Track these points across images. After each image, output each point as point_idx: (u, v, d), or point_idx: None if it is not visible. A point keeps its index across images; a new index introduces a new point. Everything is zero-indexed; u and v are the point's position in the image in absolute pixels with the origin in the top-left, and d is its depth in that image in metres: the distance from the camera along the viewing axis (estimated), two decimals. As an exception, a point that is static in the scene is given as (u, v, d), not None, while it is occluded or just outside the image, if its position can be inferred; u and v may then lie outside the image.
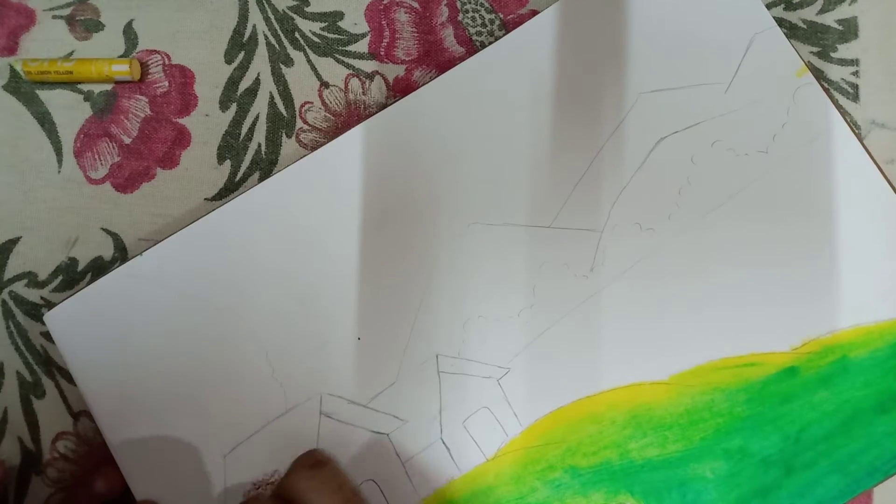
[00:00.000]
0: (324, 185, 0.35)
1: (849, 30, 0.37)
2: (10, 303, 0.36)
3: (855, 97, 0.36)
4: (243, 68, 0.37)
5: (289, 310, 0.34)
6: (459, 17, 0.37)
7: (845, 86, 0.36)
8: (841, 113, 0.35)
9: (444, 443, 0.33)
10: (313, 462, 0.29)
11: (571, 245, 0.35)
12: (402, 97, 0.35)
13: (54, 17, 0.37)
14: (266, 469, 0.33)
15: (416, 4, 0.37)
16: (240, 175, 0.36)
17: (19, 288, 0.36)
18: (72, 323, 0.34)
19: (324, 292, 0.34)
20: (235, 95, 0.37)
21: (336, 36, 0.37)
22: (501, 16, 0.37)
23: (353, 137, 0.35)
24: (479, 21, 0.37)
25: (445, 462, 0.33)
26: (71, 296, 0.34)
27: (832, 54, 0.37)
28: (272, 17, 0.37)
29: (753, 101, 0.35)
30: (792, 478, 0.32)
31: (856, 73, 0.36)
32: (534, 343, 0.34)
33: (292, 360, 0.34)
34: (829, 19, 0.37)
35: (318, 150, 0.35)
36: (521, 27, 0.36)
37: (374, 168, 0.35)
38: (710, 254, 0.34)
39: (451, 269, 0.35)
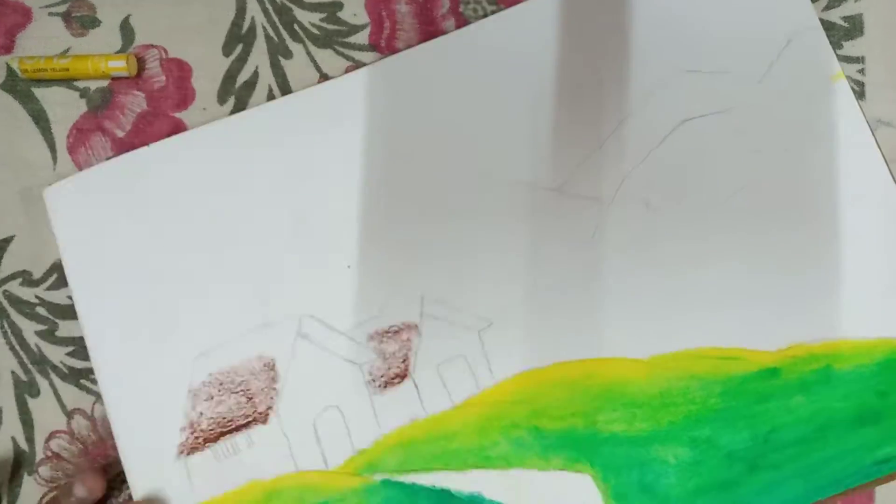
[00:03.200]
0: (336, 114, 0.35)
1: (854, 27, 0.36)
2: (4, 302, 0.35)
3: (860, 95, 0.35)
4: (242, 61, 0.36)
5: (283, 227, 0.34)
6: (461, 9, 0.36)
7: (851, 83, 0.36)
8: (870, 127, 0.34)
9: (414, 383, 0.33)
10: None
11: (576, 212, 0.34)
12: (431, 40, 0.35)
13: (50, 14, 0.37)
14: (234, 380, 0.33)
15: None
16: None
17: (13, 287, 0.35)
18: (69, 201, 0.34)
19: (321, 215, 0.34)
20: (234, 89, 0.36)
21: (336, 27, 0.37)
22: (503, 7, 0.36)
23: (374, 72, 0.35)
24: (481, 12, 0.36)
25: (412, 401, 0.33)
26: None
27: (837, 51, 0.36)
28: (270, 8, 0.36)
29: (783, 97, 0.34)
30: (755, 476, 0.32)
31: (861, 71, 0.36)
32: (521, 301, 0.34)
33: (278, 277, 0.34)
34: (835, 16, 0.36)
35: (336, 78, 0.35)
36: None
37: (390, 106, 0.35)
38: (712, 243, 0.34)
39: (451, 216, 0.34)
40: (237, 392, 0.33)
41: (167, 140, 0.34)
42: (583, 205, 0.34)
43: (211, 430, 0.33)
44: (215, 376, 0.33)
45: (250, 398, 0.33)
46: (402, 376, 0.33)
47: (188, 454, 0.33)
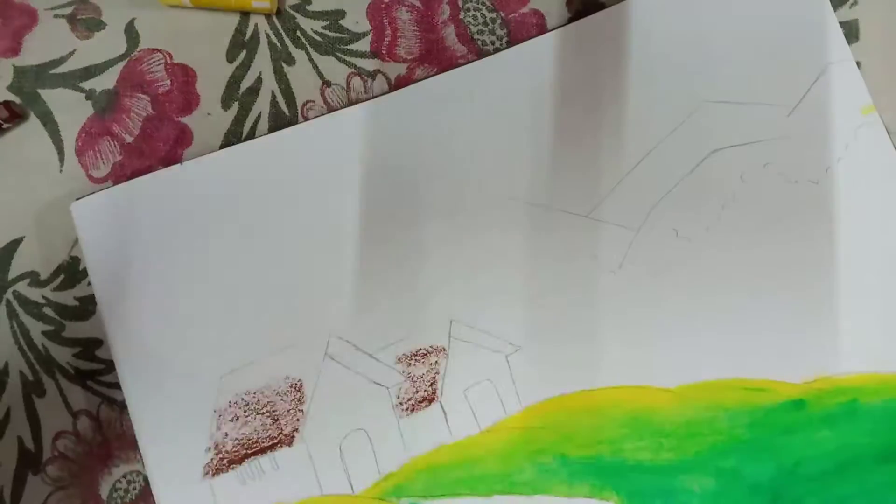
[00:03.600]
0: (367, 137, 0.35)
1: (850, 32, 0.36)
2: (14, 302, 0.35)
3: None
4: (245, 67, 0.36)
5: (313, 248, 0.34)
6: (461, 16, 0.37)
7: None
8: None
9: (441, 407, 0.33)
10: None
11: (604, 239, 0.34)
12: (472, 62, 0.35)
13: (56, 16, 0.37)
14: (260, 401, 0.33)
15: (417, 3, 0.37)
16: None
17: (22, 287, 0.35)
18: (96, 215, 0.34)
19: (351, 238, 0.34)
20: (237, 94, 0.36)
21: (338, 34, 0.37)
22: (503, 14, 0.37)
23: (403, 96, 0.35)
24: (481, 20, 0.37)
25: (439, 426, 0.33)
26: (101, 189, 0.34)
27: None
28: (274, 15, 0.37)
29: (814, 129, 0.35)
30: (778, 508, 0.32)
31: None
32: (549, 327, 0.34)
33: (308, 297, 0.34)
34: None
35: (363, 103, 0.35)
36: (591, 16, 0.35)
37: (419, 128, 0.35)
38: (741, 273, 0.34)
39: (482, 239, 0.34)
40: (263, 413, 0.33)
41: (198, 159, 0.34)
42: (612, 232, 0.34)
43: (236, 451, 0.33)
44: (241, 396, 0.33)
45: (276, 420, 0.33)
46: (429, 400, 0.33)
47: (213, 475, 0.33)
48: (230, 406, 0.33)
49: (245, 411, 0.33)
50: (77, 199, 0.34)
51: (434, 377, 0.33)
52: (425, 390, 0.33)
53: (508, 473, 0.33)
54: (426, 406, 0.33)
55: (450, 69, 0.35)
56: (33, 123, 0.36)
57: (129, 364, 0.33)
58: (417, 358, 0.33)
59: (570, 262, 0.34)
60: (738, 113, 0.35)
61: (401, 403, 0.33)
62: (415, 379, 0.33)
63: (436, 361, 0.34)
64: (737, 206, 0.34)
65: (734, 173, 0.35)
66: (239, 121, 0.36)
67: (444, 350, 0.34)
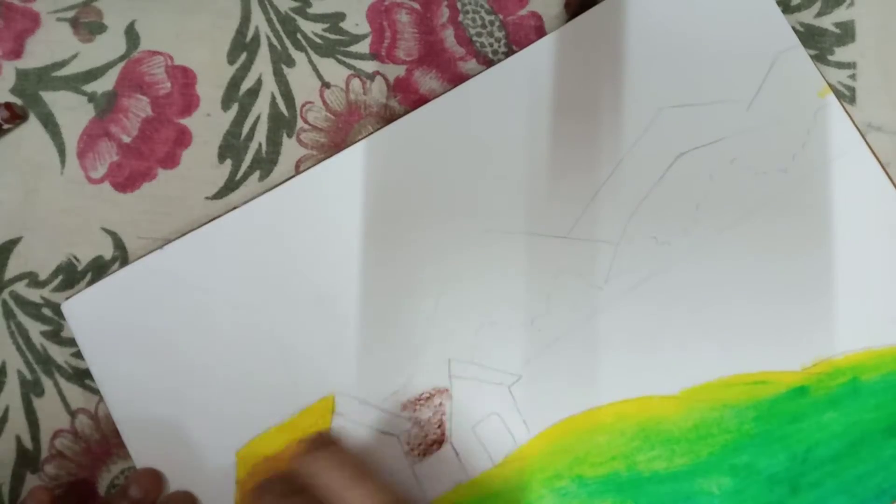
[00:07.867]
0: (343, 189, 0.35)
1: (846, 33, 0.37)
2: (11, 303, 0.36)
3: (852, 100, 0.36)
4: (245, 69, 0.37)
5: (305, 310, 0.35)
6: (460, 18, 0.37)
7: (842, 89, 0.36)
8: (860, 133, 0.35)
9: (453, 447, 0.34)
10: (315, 444, 0.29)
11: (587, 256, 0.35)
12: (428, 102, 0.36)
13: (58, 19, 0.37)
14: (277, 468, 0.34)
15: (416, 5, 0.38)
16: (240, 174, 0.37)
17: (20, 288, 0.36)
18: (89, 313, 0.34)
19: (340, 293, 0.35)
20: (237, 95, 0.37)
21: (337, 37, 0.38)
22: (501, 17, 0.37)
23: (374, 142, 0.35)
24: (480, 22, 0.37)
25: (454, 466, 0.33)
26: (89, 286, 0.35)
27: (829, 57, 0.37)
28: (274, 18, 0.37)
29: (774, 119, 0.35)
30: (798, 497, 0.33)
31: (853, 76, 0.37)
32: (546, 351, 0.34)
33: (307, 359, 0.34)
34: (827, 22, 0.37)
35: (339, 154, 0.35)
36: (544, 38, 0.36)
37: (394, 173, 0.35)
38: (725, 270, 0.34)
39: (467, 275, 0.35)
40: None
41: (179, 241, 0.35)
42: (593, 248, 0.35)
43: (260, 521, 0.33)
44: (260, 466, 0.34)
45: (294, 484, 0.33)
46: (439, 442, 0.34)
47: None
48: (250, 477, 0.33)
49: (263, 480, 0.33)
50: (67, 299, 0.35)
51: (441, 419, 0.34)
52: (434, 433, 0.34)
53: (529, 503, 0.33)
54: (437, 449, 0.34)
55: (445, 72, 0.36)
56: (34, 125, 0.37)
57: (143, 454, 0.34)
58: (421, 402, 0.34)
59: (558, 284, 0.35)
60: (697, 114, 0.35)
61: (412, 449, 0.34)
62: (422, 423, 0.34)
63: (440, 403, 0.34)
64: (711, 205, 0.35)
65: (703, 174, 0.35)
66: (238, 122, 0.37)
67: (447, 390, 0.34)
